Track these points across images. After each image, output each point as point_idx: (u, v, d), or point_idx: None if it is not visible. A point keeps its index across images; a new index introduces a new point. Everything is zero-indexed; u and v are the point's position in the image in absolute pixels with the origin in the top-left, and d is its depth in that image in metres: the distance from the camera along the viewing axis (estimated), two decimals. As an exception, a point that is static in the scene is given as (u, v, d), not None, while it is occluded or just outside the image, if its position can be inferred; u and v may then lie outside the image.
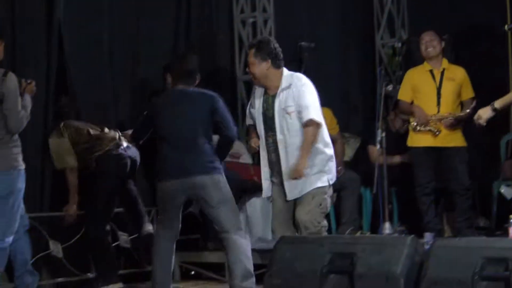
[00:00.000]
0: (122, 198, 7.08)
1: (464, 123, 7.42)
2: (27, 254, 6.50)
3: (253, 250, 6.23)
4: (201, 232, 7.82)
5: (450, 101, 7.41)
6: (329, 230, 7.41)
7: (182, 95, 6.19)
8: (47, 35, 7.23)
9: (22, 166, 6.25)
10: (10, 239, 6.25)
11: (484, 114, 6.33)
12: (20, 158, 6.24)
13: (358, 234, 7.71)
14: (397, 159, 7.96)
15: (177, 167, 6.03)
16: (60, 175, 7.08)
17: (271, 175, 6.16)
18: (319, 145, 6.06)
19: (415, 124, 7.44)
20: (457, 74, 7.50)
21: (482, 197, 7.98)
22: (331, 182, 6.10)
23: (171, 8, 8.33)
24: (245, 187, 7.63)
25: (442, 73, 7.47)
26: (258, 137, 6.20)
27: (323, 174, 6.05)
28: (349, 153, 8.64)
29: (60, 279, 7.10)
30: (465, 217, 7.41)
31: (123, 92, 7.86)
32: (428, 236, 7.04)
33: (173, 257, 6.21)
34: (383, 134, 7.15)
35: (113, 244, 7.31)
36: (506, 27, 7.88)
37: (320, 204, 6.02)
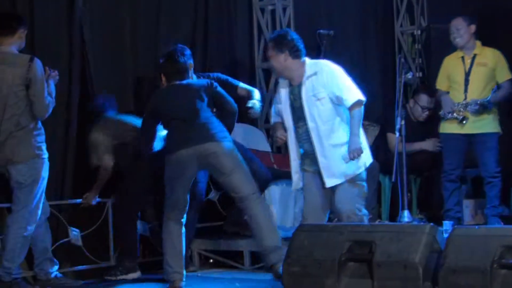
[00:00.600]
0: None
1: (500, 108, 7.38)
2: (47, 242, 6.55)
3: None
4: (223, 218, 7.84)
5: (480, 87, 7.34)
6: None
7: (181, 85, 6.39)
8: (68, 23, 7.23)
9: (46, 154, 6.29)
10: (32, 227, 6.29)
11: None
12: (44, 146, 6.28)
13: (377, 222, 7.70)
14: (416, 146, 7.94)
15: (187, 136, 6.15)
16: (81, 163, 7.11)
17: (303, 165, 6.17)
18: (345, 135, 6.10)
19: (442, 113, 7.44)
20: (489, 58, 7.41)
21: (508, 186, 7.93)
22: (367, 165, 6.16)
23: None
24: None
25: (473, 59, 7.43)
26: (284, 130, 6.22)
27: (359, 159, 6.08)
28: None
29: (79, 267, 7.12)
30: (491, 204, 7.39)
31: (143, 81, 7.84)
32: (447, 225, 7.02)
33: (184, 240, 6.28)
34: (403, 122, 7.12)
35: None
36: None
37: (359, 191, 6.09)
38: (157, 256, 7.52)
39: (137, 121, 6.90)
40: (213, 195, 7.90)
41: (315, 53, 8.09)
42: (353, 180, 6.07)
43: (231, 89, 6.90)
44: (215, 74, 7.15)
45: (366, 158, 6.17)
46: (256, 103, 6.86)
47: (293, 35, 6.20)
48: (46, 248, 6.53)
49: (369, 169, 7.84)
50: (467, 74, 7.39)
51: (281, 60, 6.12)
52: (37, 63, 6.20)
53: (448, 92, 7.50)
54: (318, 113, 6.03)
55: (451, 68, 7.54)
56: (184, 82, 6.43)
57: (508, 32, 8.56)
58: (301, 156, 6.19)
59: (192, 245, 7.39)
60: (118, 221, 7.05)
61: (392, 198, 7.98)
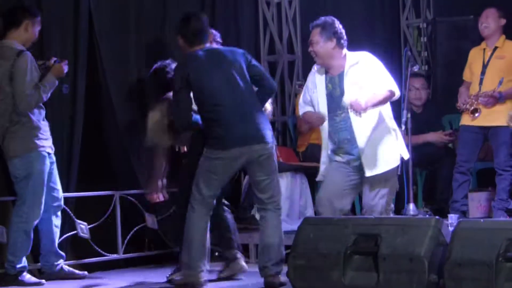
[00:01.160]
0: None
1: None
2: (54, 235, 6.56)
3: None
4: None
5: (496, 80, 7.33)
6: (353, 212, 7.46)
7: (214, 55, 6.03)
8: (75, 12, 7.17)
9: (43, 147, 6.29)
10: (34, 222, 6.31)
11: None
12: (38, 139, 6.27)
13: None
14: (420, 139, 7.93)
15: (242, 134, 5.87)
16: (87, 155, 7.12)
17: (334, 156, 6.12)
18: (389, 124, 6.11)
19: (458, 105, 7.48)
20: (508, 52, 7.42)
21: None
22: (404, 159, 6.17)
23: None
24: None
25: (493, 52, 7.44)
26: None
27: (396, 152, 6.09)
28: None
29: (87, 260, 7.14)
30: (499, 197, 7.40)
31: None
32: (452, 218, 7.03)
33: (208, 235, 6.03)
34: (409, 115, 7.13)
35: (140, 226, 7.38)
36: None
37: (392, 186, 6.14)
38: (165, 249, 7.57)
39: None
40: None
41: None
42: (388, 177, 6.06)
43: None
44: None
45: (404, 152, 6.16)
46: None
47: (339, 23, 6.16)
48: (52, 241, 6.55)
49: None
50: (484, 67, 7.41)
51: (329, 48, 6.05)
52: (22, 58, 6.19)
53: (470, 83, 7.53)
54: None
55: (472, 59, 7.58)
56: (220, 48, 6.07)
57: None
58: (334, 146, 6.13)
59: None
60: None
61: (397, 191, 7.98)
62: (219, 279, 6.40)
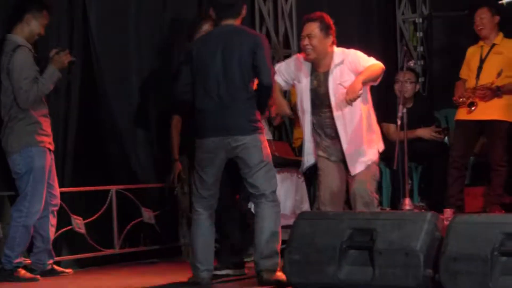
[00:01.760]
0: None
1: None
2: (49, 234, 6.53)
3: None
4: None
5: (493, 74, 7.32)
6: (349, 207, 7.45)
7: (222, 35, 5.82)
8: (70, 8, 7.15)
9: (42, 142, 6.28)
10: (34, 217, 6.30)
11: None
12: (38, 135, 6.27)
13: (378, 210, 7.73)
14: (411, 134, 7.93)
15: (217, 124, 5.71)
16: (83, 150, 7.11)
17: (320, 151, 6.17)
18: (372, 121, 6.21)
19: (455, 98, 7.49)
20: (506, 49, 7.42)
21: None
22: (380, 151, 6.27)
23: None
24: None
25: (491, 48, 7.44)
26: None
27: (375, 145, 6.22)
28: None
29: (82, 255, 7.13)
30: (494, 192, 7.41)
31: (147, 64, 7.72)
32: (448, 212, 7.04)
33: (214, 234, 5.90)
34: (404, 110, 7.13)
35: (137, 220, 7.37)
36: (504, 2, 7.82)
37: (375, 175, 6.21)
38: (160, 244, 7.57)
39: None
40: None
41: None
42: (370, 167, 6.17)
43: None
44: None
45: (379, 144, 6.28)
46: None
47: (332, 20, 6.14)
48: (47, 239, 6.52)
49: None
50: (482, 61, 7.42)
51: (327, 44, 6.05)
52: (18, 53, 6.18)
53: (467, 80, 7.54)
54: (344, 102, 6.01)
55: (470, 57, 7.58)
56: (232, 28, 5.80)
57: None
58: (320, 141, 6.18)
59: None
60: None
61: (392, 186, 8.00)
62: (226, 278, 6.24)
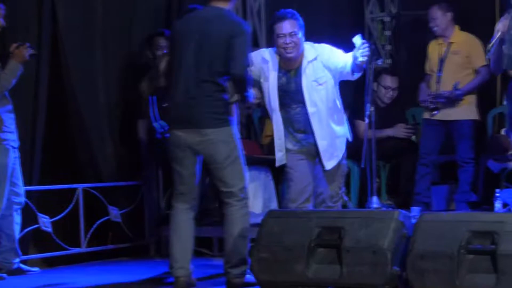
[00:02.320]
0: None
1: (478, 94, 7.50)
2: (14, 232, 6.47)
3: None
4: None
5: (453, 77, 7.45)
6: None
7: (203, 20, 5.64)
8: (38, 4, 7.09)
9: (6, 140, 6.22)
10: None
11: None
12: (2, 132, 6.21)
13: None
14: (384, 133, 7.96)
15: (183, 116, 5.59)
16: (50, 148, 7.07)
17: (289, 145, 6.15)
18: (342, 114, 6.24)
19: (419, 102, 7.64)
20: (463, 46, 7.49)
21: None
22: (350, 140, 6.33)
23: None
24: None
25: (448, 48, 7.49)
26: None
27: (344, 138, 6.26)
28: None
29: (49, 254, 7.09)
30: (461, 190, 7.47)
31: (115, 60, 7.68)
32: (415, 210, 7.07)
33: (193, 232, 5.79)
34: (372, 108, 7.15)
35: (104, 219, 7.34)
36: None
37: (342, 170, 6.27)
38: (128, 242, 7.55)
39: None
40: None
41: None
42: (340, 164, 6.21)
43: None
44: None
45: (348, 136, 6.32)
46: None
47: None
48: (12, 238, 6.46)
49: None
50: (441, 64, 7.47)
51: (300, 40, 6.02)
52: None
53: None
54: (319, 98, 6.03)
55: (430, 54, 7.67)
56: (216, 13, 5.59)
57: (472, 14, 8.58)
58: (290, 136, 6.16)
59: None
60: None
61: (361, 184, 8.02)
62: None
